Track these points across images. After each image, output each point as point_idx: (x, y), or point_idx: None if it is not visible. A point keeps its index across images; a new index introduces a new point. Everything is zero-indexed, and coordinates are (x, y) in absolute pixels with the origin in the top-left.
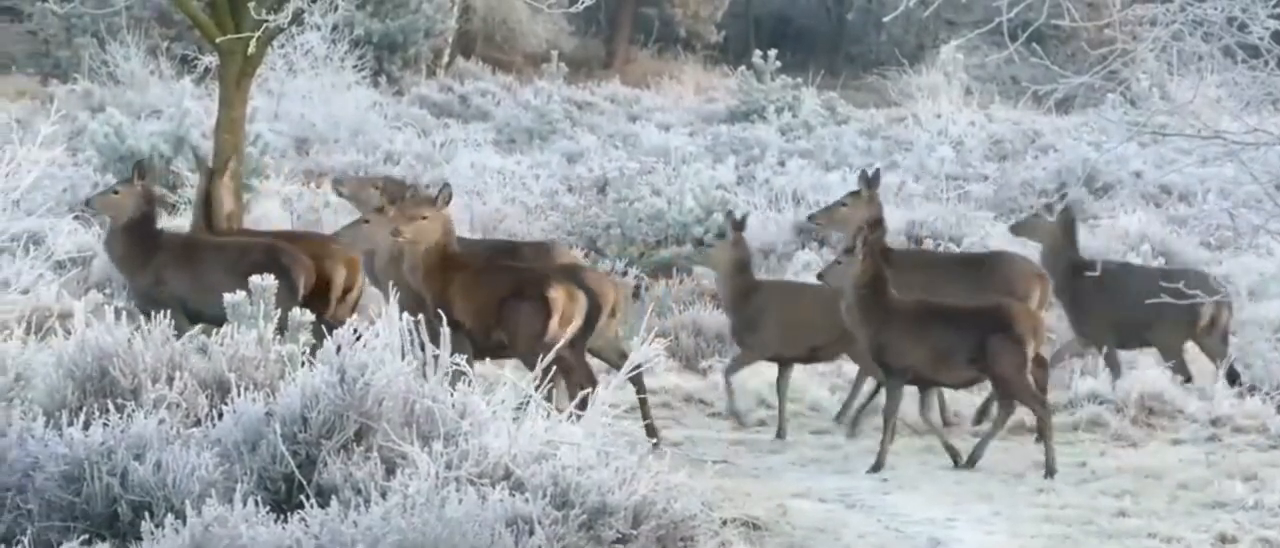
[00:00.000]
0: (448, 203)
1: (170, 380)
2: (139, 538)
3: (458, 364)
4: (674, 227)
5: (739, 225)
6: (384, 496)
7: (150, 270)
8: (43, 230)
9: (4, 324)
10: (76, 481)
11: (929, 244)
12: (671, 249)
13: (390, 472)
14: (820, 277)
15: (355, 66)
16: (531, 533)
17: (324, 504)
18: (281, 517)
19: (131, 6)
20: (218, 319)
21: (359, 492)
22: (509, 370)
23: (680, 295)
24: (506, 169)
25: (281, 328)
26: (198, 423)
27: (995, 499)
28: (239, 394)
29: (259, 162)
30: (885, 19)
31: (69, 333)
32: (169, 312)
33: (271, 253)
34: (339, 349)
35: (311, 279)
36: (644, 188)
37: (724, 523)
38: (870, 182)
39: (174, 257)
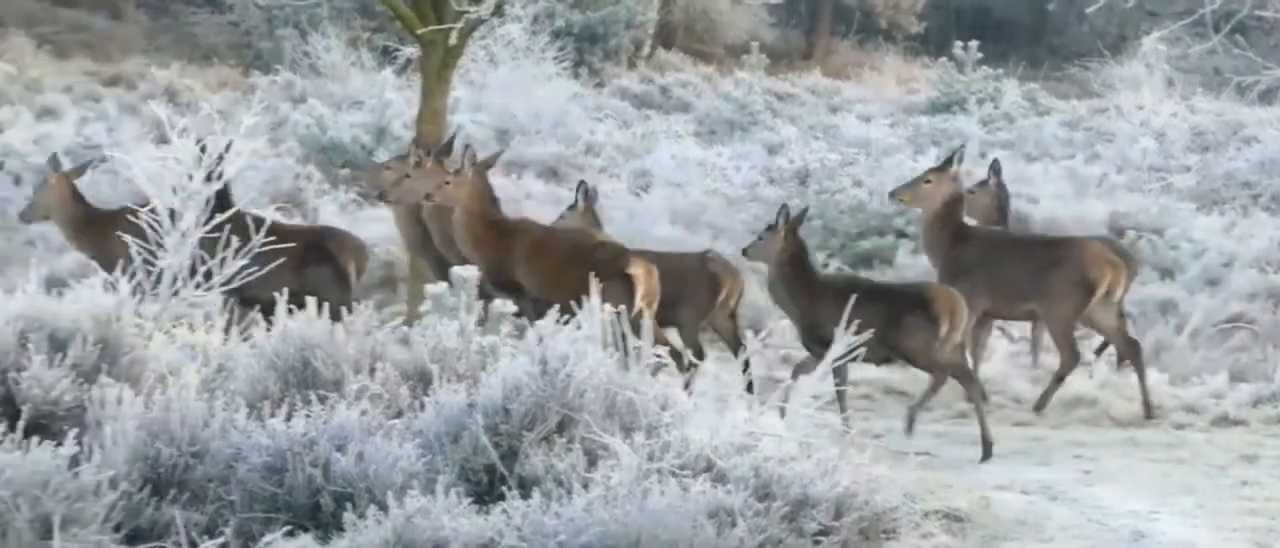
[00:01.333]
0: (477, 166)
1: (372, 372)
2: (341, 529)
3: (659, 357)
4: (875, 218)
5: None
6: (586, 487)
7: None
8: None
9: (207, 316)
10: (279, 472)
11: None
12: (873, 241)
13: (592, 463)
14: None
15: (556, 58)
16: (733, 525)
17: (526, 496)
18: (483, 508)
19: None
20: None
21: (561, 483)
22: (711, 362)
23: None
24: (707, 161)
25: (335, 315)
26: (399, 414)
27: (1198, 492)
28: (440, 385)
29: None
30: (1087, 10)
31: (271, 325)
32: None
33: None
34: (541, 340)
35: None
36: (845, 179)
37: (926, 515)
38: (952, 160)
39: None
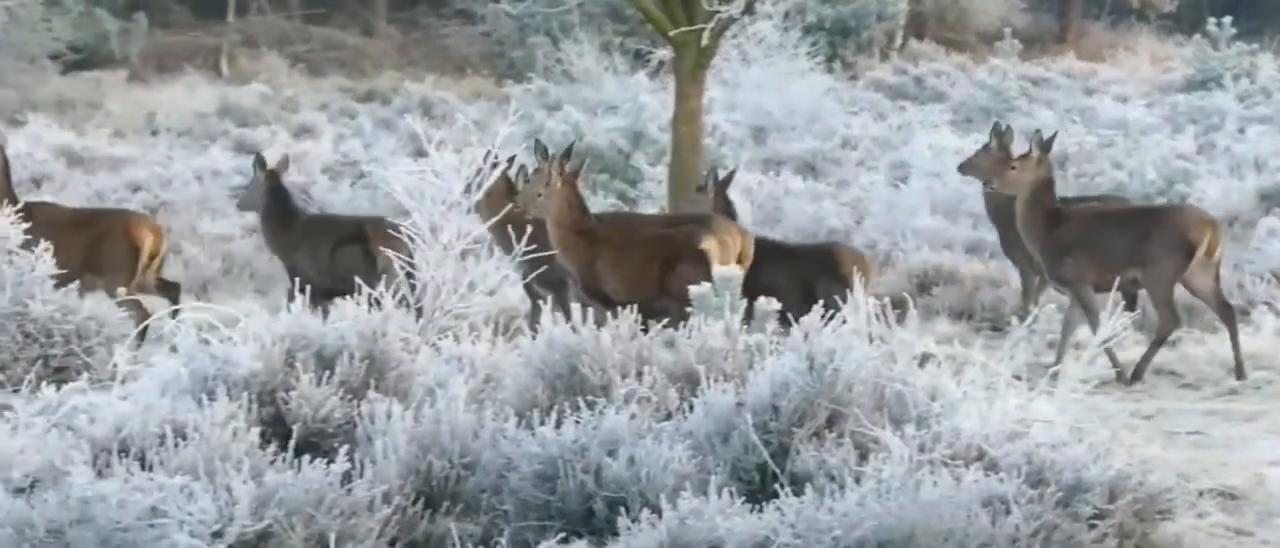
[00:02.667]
0: (565, 176)
1: (639, 375)
2: (615, 534)
3: (926, 349)
4: (1136, 200)
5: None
6: (858, 481)
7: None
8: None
9: (473, 326)
10: (550, 479)
11: None
12: None
13: (863, 457)
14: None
15: (809, 53)
16: (1008, 513)
17: (798, 493)
18: (755, 507)
19: (583, 4)
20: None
21: (832, 479)
22: (977, 350)
23: None
24: (965, 149)
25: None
26: (668, 417)
27: None
28: (708, 386)
29: (717, 152)
30: None
31: (536, 333)
32: None
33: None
34: (806, 336)
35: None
36: (1104, 162)
37: (1200, 494)
38: (1001, 136)
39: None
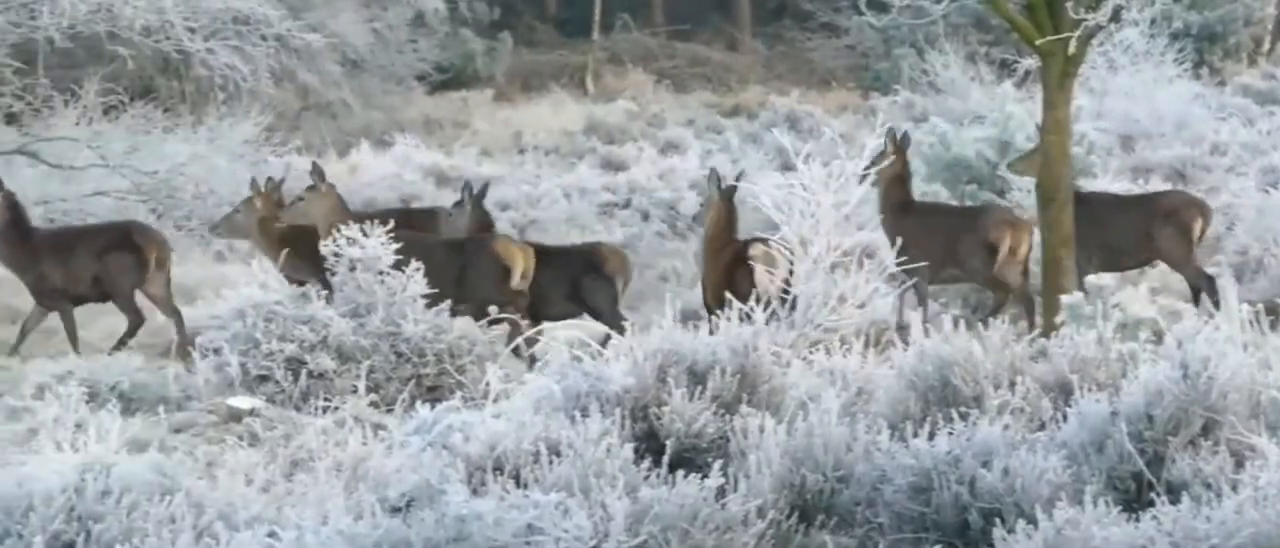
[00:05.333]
0: (723, 191)
1: (1011, 386)
2: (991, 545)
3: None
4: None
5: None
6: (1234, 489)
7: None
8: (874, 244)
9: (844, 339)
10: (925, 491)
11: None
12: None
13: (1239, 465)
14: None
15: (1176, 59)
16: None
17: (1174, 501)
18: (1132, 516)
19: (948, 15)
20: None
21: (1208, 486)
22: None
23: None
24: None
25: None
26: (1042, 427)
27: None
28: (1082, 395)
29: (1086, 160)
30: None
31: (907, 345)
32: None
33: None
34: (1180, 344)
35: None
36: None
37: None
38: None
39: None
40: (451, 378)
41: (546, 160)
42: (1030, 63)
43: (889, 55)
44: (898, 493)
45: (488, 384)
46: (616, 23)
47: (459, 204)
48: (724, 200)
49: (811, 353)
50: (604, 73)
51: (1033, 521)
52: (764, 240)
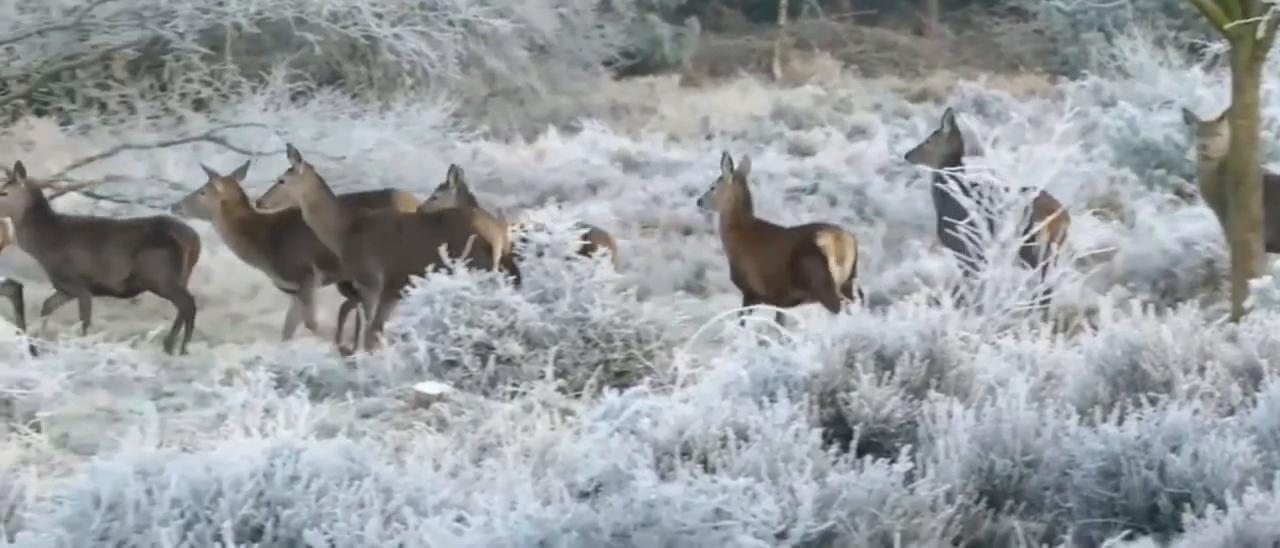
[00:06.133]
0: (737, 172)
1: (1201, 370)
2: (1180, 530)
3: None
4: None
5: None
6: None
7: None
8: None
9: (1032, 324)
10: (1114, 476)
11: None
12: None
13: None
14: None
15: None
16: None
17: None
18: None
19: None
20: None
21: None
22: None
23: None
24: None
25: None
26: (1231, 411)
27: None
28: (1272, 380)
29: (1275, 145)
30: None
31: (1096, 329)
32: None
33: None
34: None
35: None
36: None
37: None
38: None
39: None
40: (639, 363)
41: (733, 145)
42: (1219, 47)
43: (1077, 39)
44: (1086, 478)
45: (676, 369)
46: (803, 7)
47: (444, 187)
48: (738, 182)
49: (999, 338)
50: (791, 58)
51: (1222, 506)
52: (833, 228)
